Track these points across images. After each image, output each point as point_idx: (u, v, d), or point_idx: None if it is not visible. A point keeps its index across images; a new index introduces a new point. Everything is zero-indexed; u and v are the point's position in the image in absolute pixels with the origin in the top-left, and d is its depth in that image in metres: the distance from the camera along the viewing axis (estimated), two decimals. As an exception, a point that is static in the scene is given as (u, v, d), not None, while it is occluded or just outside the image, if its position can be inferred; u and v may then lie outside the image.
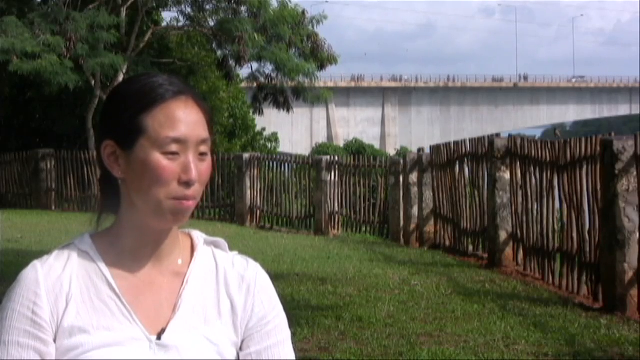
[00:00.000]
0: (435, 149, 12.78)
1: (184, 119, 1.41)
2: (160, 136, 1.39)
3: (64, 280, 1.42)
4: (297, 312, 6.65)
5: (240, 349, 1.49)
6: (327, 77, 64.16)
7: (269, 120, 34.70)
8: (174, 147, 1.39)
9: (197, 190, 1.41)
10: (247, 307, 1.49)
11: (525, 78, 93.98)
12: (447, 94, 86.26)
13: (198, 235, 1.54)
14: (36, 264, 1.44)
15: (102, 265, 1.44)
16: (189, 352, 1.42)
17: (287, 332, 1.53)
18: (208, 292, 1.48)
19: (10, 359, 1.37)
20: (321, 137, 73.36)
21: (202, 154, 1.42)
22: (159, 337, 1.42)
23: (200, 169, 1.41)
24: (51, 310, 1.40)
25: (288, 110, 23.64)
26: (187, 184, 1.40)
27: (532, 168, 9.23)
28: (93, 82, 20.85)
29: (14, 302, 1.40)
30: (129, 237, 1.45)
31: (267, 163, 17.07)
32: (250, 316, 1.49)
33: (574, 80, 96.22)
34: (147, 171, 1.39)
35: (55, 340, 1.39)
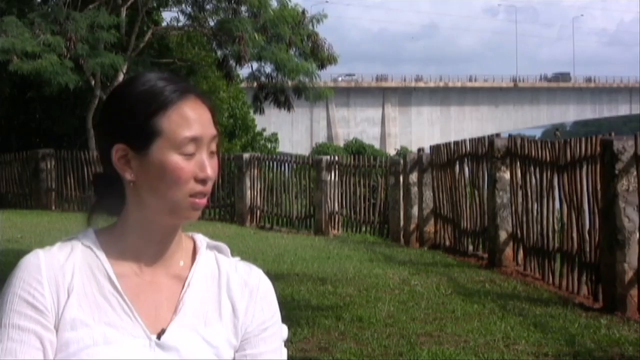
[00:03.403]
0: (435, 149, 12.78)
1: (197, 118, 1.44)
2: (179, 137, 1.41)
3: (67, 270, 1.42)
4: (297, 312, 6.65)
5: (236, 351, 1.50)
6: (327, 77, 64.19)
7: (269, 120, 34.75)
8: (190, 147, 1.41)
9: (210, 186, 1.45)
10: (249, 311, 1.50)
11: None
12: (447, 94, 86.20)
13: (201, 239, 1.55)
14: (38, 252, 1.44)
15: (105, 261, 1.45)
16: (188, 354, 1.42)
17: (280, 341, 1.55)
18: (209, 295, 1.49)
19: (11, 342, 1.36)
20: (321, 137, 73.31)
21: (212, 152, 1.45)
22: (158, 337, 1.42)
23: (213, 166, 1.44)
24: (52, 298, 1.40)
25: (289, 109, 23.59)
26: (204, 181, 1.42)
27: (532, 168, 9.23)
28: (93, 82, 20.83)
29: (15, 287, 1.40)
30: (134, 235, 1.46)
31: (267, 163, 17.06)
32: (251, 321, 1.50)
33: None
34: (166, 172, 1.41)
35: (56, 330, 1.39)
